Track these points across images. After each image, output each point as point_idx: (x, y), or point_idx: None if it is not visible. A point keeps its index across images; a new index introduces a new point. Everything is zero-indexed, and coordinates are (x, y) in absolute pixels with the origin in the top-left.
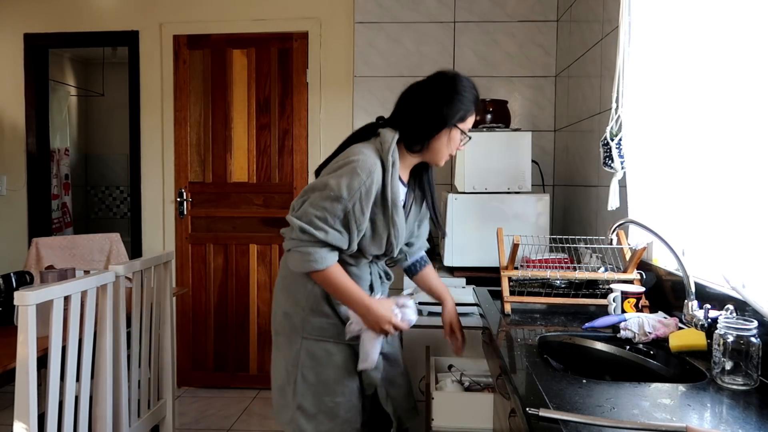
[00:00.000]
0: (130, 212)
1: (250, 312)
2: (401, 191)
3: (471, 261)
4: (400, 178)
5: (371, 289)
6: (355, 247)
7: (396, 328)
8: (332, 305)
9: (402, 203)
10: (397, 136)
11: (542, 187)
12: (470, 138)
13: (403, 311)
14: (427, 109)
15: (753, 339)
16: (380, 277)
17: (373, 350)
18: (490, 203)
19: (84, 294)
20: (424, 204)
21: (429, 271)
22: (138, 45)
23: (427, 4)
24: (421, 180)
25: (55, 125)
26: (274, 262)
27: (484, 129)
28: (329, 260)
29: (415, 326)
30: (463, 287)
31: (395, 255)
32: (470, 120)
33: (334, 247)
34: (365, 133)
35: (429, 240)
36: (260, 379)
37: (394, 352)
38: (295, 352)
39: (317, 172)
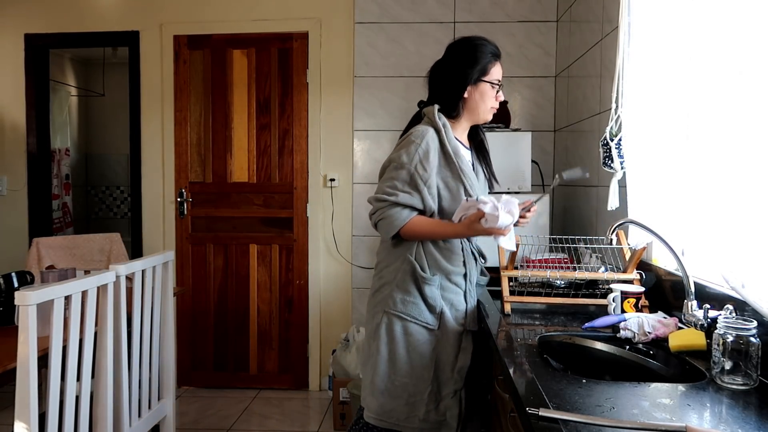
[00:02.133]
0: (130, 212)
1: (250, 312)
2: (462, 149)
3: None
4: (459, 141)
5: (464, 266)
6: (432, 205)
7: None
8: (418, 285)
9: (468, 161)
10: (437, 107)
11: (542, 187)
12: (501, 85)
13: (503, 211)
14: (447, 76)
15: (752, 339)
16: (473, 256)
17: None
18: None
19: (84, 294)
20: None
21: None
22: (138, 45)
23: (427, 5)
24: (477, 142)
25: (55, 125)
26: (274, 262)
27: (484, 129)
28: (407, 215)
29: None
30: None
31: None
32: (493, 71)
33: (411, 208)
34: (414, 122)
35: None
36: (260, 378)
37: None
38: (375, 325)
39: (380, 174)
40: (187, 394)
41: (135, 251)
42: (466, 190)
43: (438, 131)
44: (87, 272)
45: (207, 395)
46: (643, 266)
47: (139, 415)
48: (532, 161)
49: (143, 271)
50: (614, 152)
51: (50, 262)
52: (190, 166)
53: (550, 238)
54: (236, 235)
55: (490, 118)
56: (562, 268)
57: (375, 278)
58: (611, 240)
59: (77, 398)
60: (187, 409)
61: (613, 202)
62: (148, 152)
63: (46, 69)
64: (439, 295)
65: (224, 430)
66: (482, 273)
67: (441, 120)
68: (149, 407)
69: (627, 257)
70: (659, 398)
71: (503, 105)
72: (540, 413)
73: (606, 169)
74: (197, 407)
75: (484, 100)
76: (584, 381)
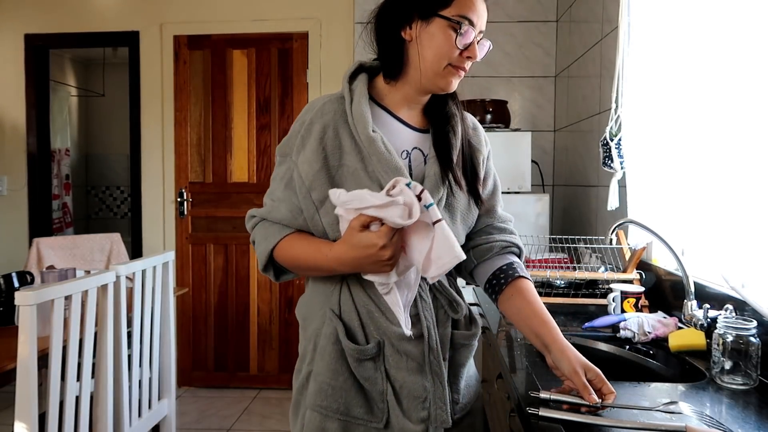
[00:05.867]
0: (130, 212)
1: (250, 312)
2: (399, 128)
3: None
4: (405, 122)
5: (423, 321)
6: (311, 221)
7: (391, 257)
8: (347, 360)
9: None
10: (356, 65)
11: (542, 187)
12: (473, 24)
13: (386, 212)
14: (383, 9)
15: (752, 339)
16: (443, 307)
17: (396, 305)
18: None
19: (85, 294)
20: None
21: (526, 290)
22: (138, 45)
23: None
24: (442, 121)
25: (55, 125)
26: None
27: (484, 129)
28: (274, 236)
29: None
30: (463, 287)
31: None
32: (459, 3)
33: (282, 225)
34: None
35: None
36: (260, 379)
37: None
38: (299, 425)
39: None
40: (187, 394)
41: (135, 251)
42: (380, 184)
43: (344, 98)
44: (87, 272)
45: (207, 395)
46: (643, 266)
47: (140, 415)
48: (532, 161)
49: (143, 271)
50: (614, 152)
51: (50, 262)
52: (190, 166)
53: (550, 238)
54: (236, 235)
55: (449, 85)
56: (562, 268)
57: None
58: (611, 240)
59: (77, 398)
60: (187, 409)
61: (613, 202)
62: (148, 152)
63: (46, 69)
64: (379, 374)
65: (224, 430)
66: (463, 326)
67: (356, 81)
68: (149, 407)
69: (627, 257)
70: (659, 398)
71: (503, 105)
72: (540, 413)
73: (606, 169)
74: (197, 407)
75: (434, 48)
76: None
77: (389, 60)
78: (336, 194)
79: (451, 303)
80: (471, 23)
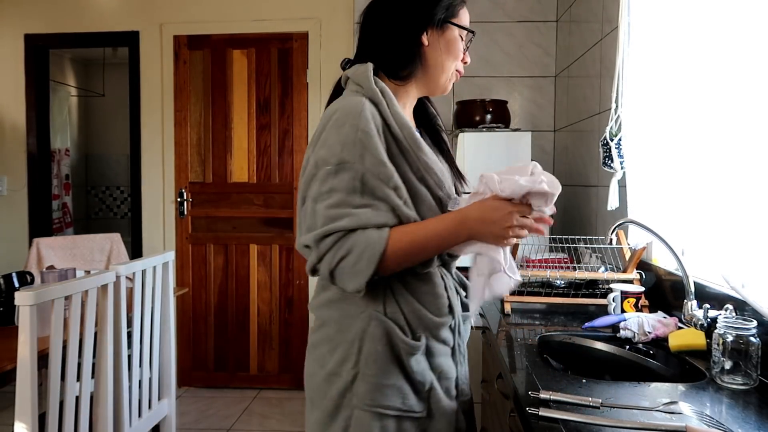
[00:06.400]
0: (130, 212)
1: (250, 312)
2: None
3: (471, 261)
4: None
5: (451, 311)
6: (410, 213)
7: (514, 226)
8: (398, 357)
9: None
10: (371, 66)
11: None
12: (474, 33)
13: (534, 186)
14: (398, 11)
15: (752, 338)
16: (457, 291)
17: (479, 291)
18: None
19: (85, 294)
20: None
21: None
22: (138, 45)
23: None
24: (426, 120)
25: (55, 125)
26: (274, 262)
27: (484, 129)
28: (379, 237)
29: None
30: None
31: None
32: (462, 14)
33: (377, 227)
34: (337, 92)
35: None
36: (260, 379)
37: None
38: (339, 428)
39: (303, 199)
40: (187, 394)
41: (135, 251)
42: (431, 189)
43: (377, 103)
44: (87, 272)
45: (207, 395)
46: (643, 266)
47: (140, 415)
48: (532, 161)
49: (143, 271)
50: (614, 152)
51: (50, 262)
52: (190, 166)
53: (550, 238)
54: (236, 235)
55: (449, 87)
56: (562, 267)
57: (323, 351)
58: (611, 240)
59: (77, 398)
60: (188, 409)
61: (613, 202)
62: (148, 152)
63: (46, 69)
64: (427, 365)
65: (224, 430)
66: (464, 308)
67: (378, 86)
68: (149, 407)
69: (627, 257)
70: (659, 398)
71: (503, 105)
72: (540, 413)
73: (606, 169)
74: (197, 407)
75: (450, 54)
76: (584, 381)
77: (401, 62)
78: (491, 177)
79: (463, 286)
80: (472, 34)
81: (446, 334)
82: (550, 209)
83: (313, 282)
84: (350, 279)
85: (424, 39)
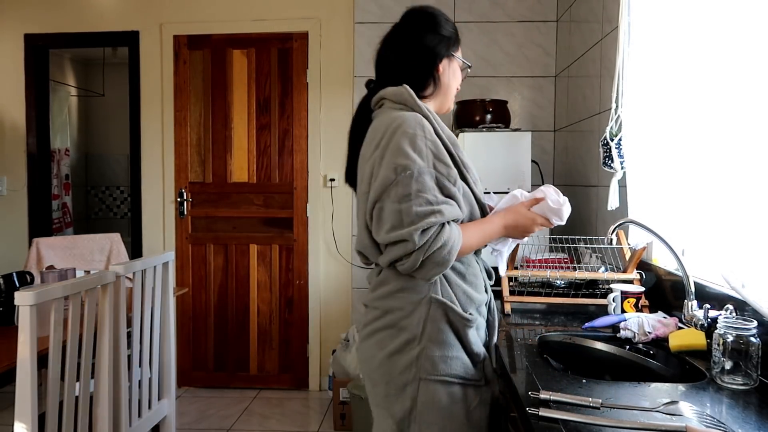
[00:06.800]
0: (130, 212)
1: (250, 312)
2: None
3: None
4: None
5: (486, 291)
6: (464, 207)
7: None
8: (457, 331)
9: None
10: (409, 88)
11: None
12: (470, 66)
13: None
14: (418, 45)
15: (752, 339)
16: (487, 273)
17: (501, 258)
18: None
19: (84, 294)
20: None
21: None
22: (138, 45)
23: (427, 5)
24: None
25: (55, 125)
26: (274, 262)
27: (484, 129)
28: (458, 231)
29: None
30: None
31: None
32: (459, 48)
33: (453, 221)
34: (365, 109)
35: None
36: (260, 379)
37: None
38: (411, 401)
39: (349, 179)
40: (187, 394)
41: (135, 251)
42: (470, 185)
43: (425, 116)
44: (87, 272)
45: (207, 395)
46: (643, 266)
47: (139, 415)
48: (532, 161)
49: (143, 271)
50: (614, 152)
51: (50, 262)
52: (190, 166)
53: (550, 238)
54: (236, 235)
55: (452, 107)
56: (562, 268)
57: (383, 336)
58: (611, 240)
59: (77, 398)
60: (187, 409)
61: (613, 202)
62: (148, 152)
63: (46, 69)
64: (479, 339)
65: (224, 430)
66: (490, 276)
67: (424, 104)
68: (149, 407)
69: (627, 257)
70: (659, 398)
71: (503, 105)
72: (540, 413)
73: (606, 169)
74: (197, 407)
75: (456, 79)
76: (584, 381)
77: (424, 84)
78: (520, 192)
79: (487, 271)
80: (469, 66)
81: (484, 310)
82: (560, 221)
83: (313, 282)
84: (437, 267)
85: (440, 67)
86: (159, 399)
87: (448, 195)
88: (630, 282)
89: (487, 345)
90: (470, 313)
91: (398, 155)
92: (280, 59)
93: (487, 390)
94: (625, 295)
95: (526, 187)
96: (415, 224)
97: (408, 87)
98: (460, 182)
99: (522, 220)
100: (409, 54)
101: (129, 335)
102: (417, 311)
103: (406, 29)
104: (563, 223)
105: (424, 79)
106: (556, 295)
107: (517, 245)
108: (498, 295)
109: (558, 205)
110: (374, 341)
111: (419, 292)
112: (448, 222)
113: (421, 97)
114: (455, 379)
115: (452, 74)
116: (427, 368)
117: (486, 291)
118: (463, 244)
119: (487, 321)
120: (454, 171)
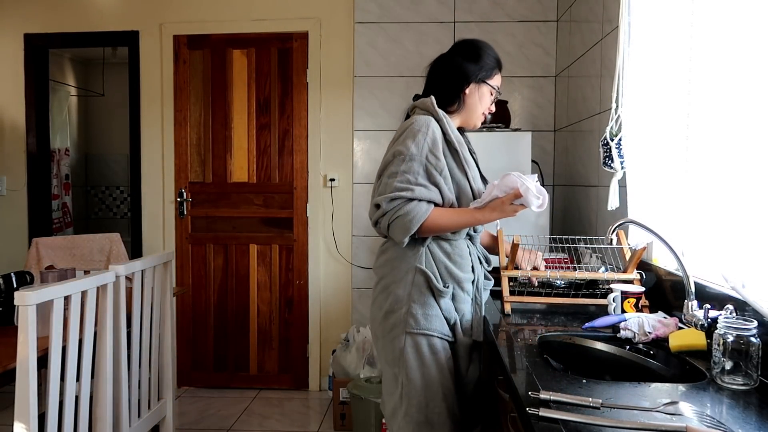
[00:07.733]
0: (130, 212)
1: (250, 312)
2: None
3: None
4: None
5: (473, 271)
6: (451, 197)
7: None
8: (435, 296)
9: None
10: (433, 98)
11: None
12: (500, 93)
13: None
14: (451, 69)
15: (753, 339)
16: (480, 261)
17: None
18: None
19: (84, 294)
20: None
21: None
22: (138, 45)
23: (427, 4)
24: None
25: (55, 125)
26: (273, 262)
27: (484, 129)
28: (426, 208)
29: None
30: None
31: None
32: (496, 78)
33: (427, 202)
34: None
35: None
36: (260, 379)
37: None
38: (398, 350)
39: (379, 176)
40: (187, 394)
41: (135, 251)
42: (469, 181)
43: (439, 120)
44: (87, 272)
45: (207, 395)
46: (643, 266)
47: (139, 415)
48: (532, 161)
49: (143, 271)
50: (614, 152)
51: (50, 262)
52: (190, 166)
53: (550, 238)
54: (236, 235)
55: (479, 124)
56: (562, 268)
57: (380, 298)
58: (611, 240)
59: (77, 398)
60: (187, 409)
61: (613, 202)
62: (148, 152)
63: (46, 69)
64: (453, 306)
65: (224, 430)
66: (486, 277)
67: (441, 111)
68: (149, 407)
69: (627, 257)
70: (659, 398)
71: (503, 105)
72: (540, 413)
73: (606, 169)
74: (197, 407)
75: (482, 103)
76: (584, 381)
77: (450, 101)
78: (517, 175)
79: (485, 258)
80: (499, 91)
81: (468, 286)
82: (526, 201)
83: (313, 282)
84: (400, 232)
85: (466, 90)
86: (159, 399)
87: (434, 182)
88: (630, 282)
89: (474, 316)
90: (446, 286)
91: (401, 144)
92: (280, 59)
93: (454, 346)
94: (625, 295)
95: None
96: (388, 195)
97: (433, 98)
98: (448, 173)
99: (492, 205)
100: (444, 75)
101: (128, 335)
102: (405, 278)
103: (452, 54)
104: (529, 203)
105: (452, 97)
106: (557, 295)
107: (522, 248)
108: (498, 295)
109: (533, 201)
110: (376, 303)
111: (408, 262)
112: (420, 200)
113: (448, 111)
114: (433, 333)
115: (479, 97)
116: (411, 324)
117: (473, 271)
118: (431, 221)
119: (474, 297)
120: (443, 163)
